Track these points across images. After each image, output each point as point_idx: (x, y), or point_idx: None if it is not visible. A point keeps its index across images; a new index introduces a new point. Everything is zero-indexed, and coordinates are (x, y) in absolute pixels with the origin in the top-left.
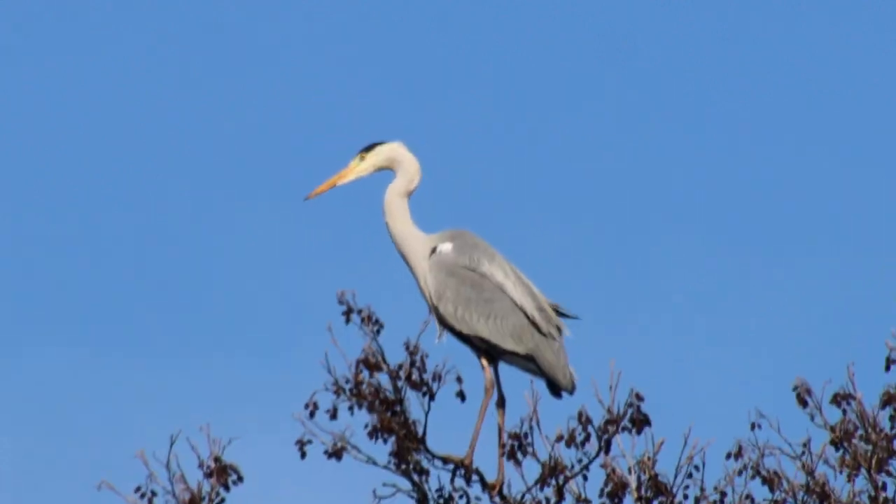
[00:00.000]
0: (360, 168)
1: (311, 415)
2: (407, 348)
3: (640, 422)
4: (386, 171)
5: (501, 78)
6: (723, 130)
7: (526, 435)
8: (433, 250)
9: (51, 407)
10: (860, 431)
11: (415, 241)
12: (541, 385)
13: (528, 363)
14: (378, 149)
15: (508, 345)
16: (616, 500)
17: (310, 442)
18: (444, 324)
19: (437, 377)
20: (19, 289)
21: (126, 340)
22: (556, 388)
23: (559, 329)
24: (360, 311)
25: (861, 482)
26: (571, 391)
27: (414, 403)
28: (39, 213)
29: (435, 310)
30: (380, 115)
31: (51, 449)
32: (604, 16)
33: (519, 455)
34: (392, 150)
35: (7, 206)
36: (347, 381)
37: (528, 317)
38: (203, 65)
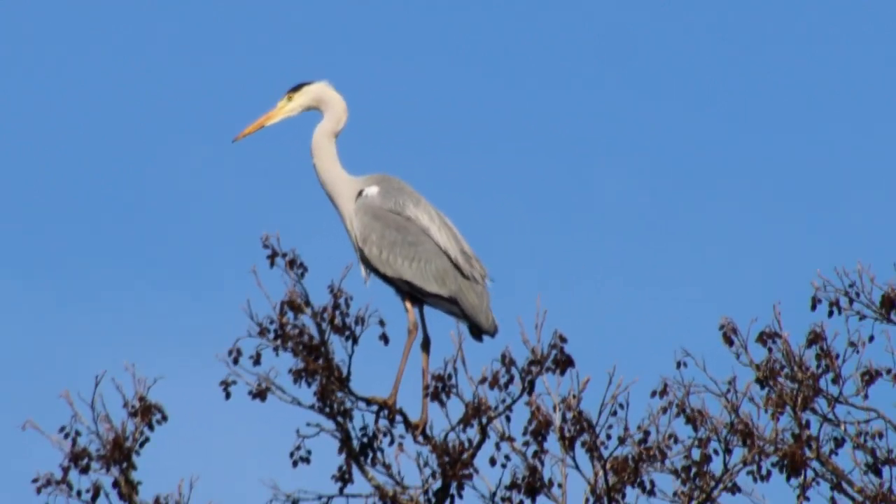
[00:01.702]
0: (287, 108)
1: (235, 361)
2: (331, 291)
3: (564, 363)
4: (314, 113)
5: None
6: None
7: (450, 376)
8: (359, 193)
9: None
10: (786, 370)
11: (342, 183)
12: (465, 329)
13: (452, 306)
14: (305, 88)
15: (432, 287)
16: (540, 439)
17: (234, 383)
18: (369, 266)
19: (361, 320)
20: None
21: (53, 275)
22: (478, 332)
23: (482, 274)
24: (284, 255)
25: (785, 420)
26: (493, 334)
27: (338, 347)
28: None
29: (360, 252)
30: (310, 59)
31: None
32: None
33: (443, 396)
34: (319, 90)
35: None
36: (272, 323)
37: (451, 260)
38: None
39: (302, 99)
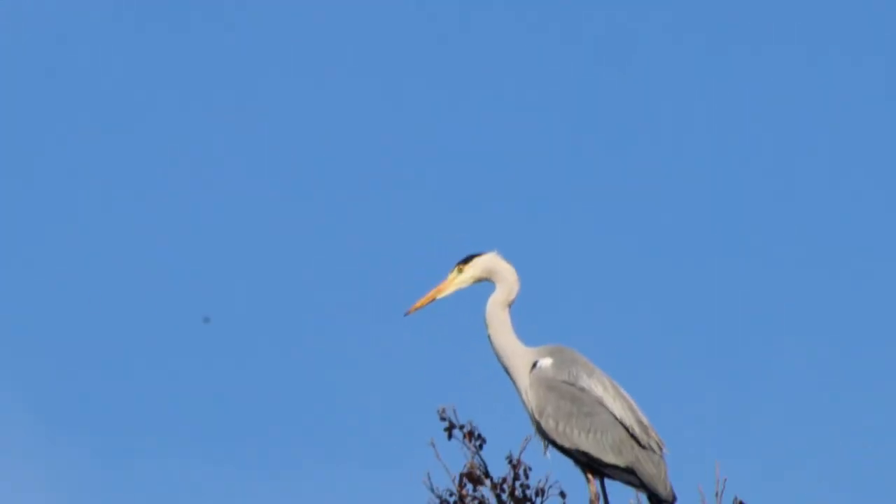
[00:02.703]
0: (458, 280)
1: None
2: (510, 462)
3: None
4: (485, 283)
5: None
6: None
7: None
8: (534, 365)
9: None
10: None
11: (516, 354)
12: (643, 499)
13: (629, 476)
14: (475, 261)
15: (609, 458)
16: None
17: None
18: (546, 438)
19: (541, 492)
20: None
21: (234, 454)
22: (657, 501)
23: (658, 444)
24: (461, 427)
25: None
26: (672, 503)
27: None
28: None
29: (537, 424)
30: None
31: None
32: None
33: None
34: (489, 261)
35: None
36: (451, 495)
37: (627, 430)
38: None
39: (472, 271)
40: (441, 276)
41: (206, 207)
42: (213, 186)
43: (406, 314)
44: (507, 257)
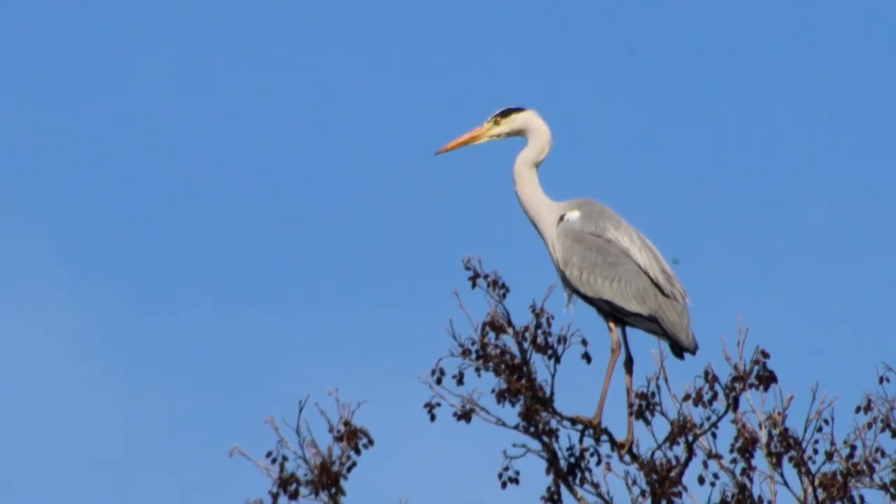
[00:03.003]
0: (493, 131)
1: (438, 381)
2: (533, 311)
3: (767, 378)
4: (515, 140)
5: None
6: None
7: (653, 394)
8: (561, 218)
9: (184, 366)
10: None
11: (544, 209)
12: (666, 347)
13: (652, 324)
14: (514, 115)
15: (632, 306)
16: (747, 456)
17: (438, 405)
18: (570, 287)
19: (563, 339)
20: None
21: (253, 296)
22: (679, 350)
23: (682, 293)
24: (486, 276)
25: None
26: (694, 351)
27: (540, 366)
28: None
29: (562, 274)
30: (501, 84)
31: (184, 412)
32: None
33: (647, 414)
34: (528, 119)
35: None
36: (474, 343)
37: (651, 279)
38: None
39: (510, 125)
40: (476, 123)
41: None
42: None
43: (436, 153)
44: (544, 117)
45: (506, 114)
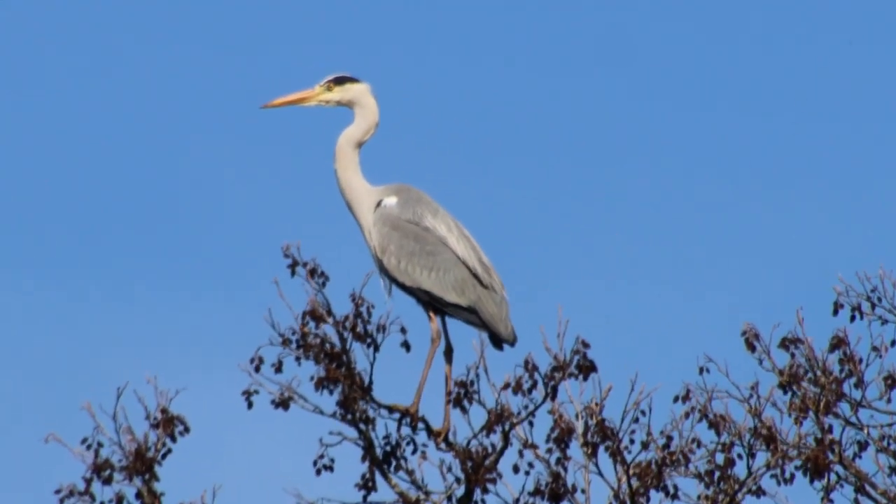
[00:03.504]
0: (324, 96)
1: (257, 369)
2: (352, 300)
3: (587, 368)
4: (340, 112)
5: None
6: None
7: (472, 383)
8: (378, 203)
9: (1, 348)
10: (809, 375)
11: (361, 192)
12: (486, 338)
13: (471, 315)
14: (349, 85)
15: (451, 297)
16: (563, 446)
17: (256, 392)
18: (388, 276)
19: (382, 328)
20: None
21: (71, 280)
22: (498, 341)
23: (500, 284)
24: (305, 264)
25: (808, 425)
26: (513, 343)
27: (360, 355)
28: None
29: (379, 262)
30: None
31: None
32: None
33: (465, 403)
34: (362, 92)
35: None
36: (294, 333)
37: (470, 270)
38: None
39: (342, 94)
40: (306, 85)
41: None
42: None
43: (263, 106)
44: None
45: (340, 81)
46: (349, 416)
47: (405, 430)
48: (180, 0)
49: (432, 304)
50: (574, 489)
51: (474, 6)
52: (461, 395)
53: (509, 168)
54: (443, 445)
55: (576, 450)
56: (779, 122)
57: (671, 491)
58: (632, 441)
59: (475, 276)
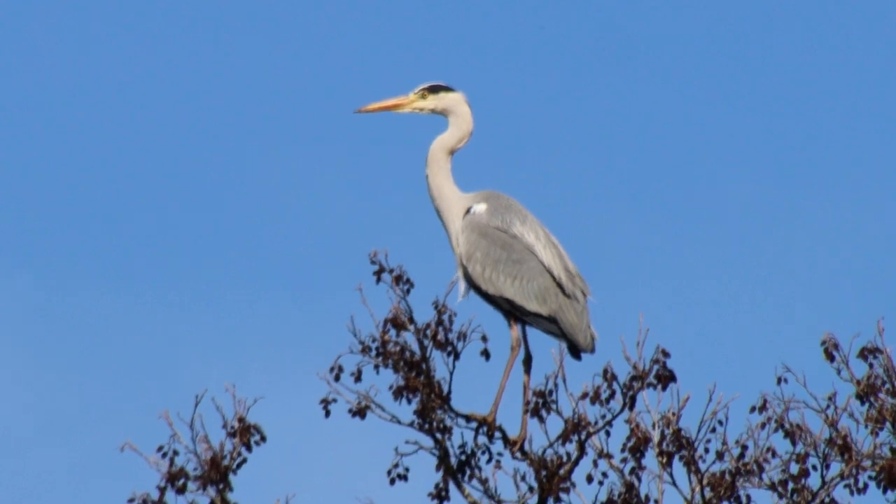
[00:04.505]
0: (418, 104)
1: (336, 378)
2: (435, 307)
3: (666, 378)
4: (431, 123)
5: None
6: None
7: (551, 392)
8: (467, 210)
9: (83, 357)
10: (887, 386)
11: (452, 199)
12: (564, 347)
13: (550, 325)
14: (444, 94)
15: (532, 306)
16: (638, 455)
17: (334, 401)
18: (471, 283)
19: (462, 336)
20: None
21: (153, 287)
22: (576, 350)
23: (583, 292)
24: (391, 271)
25: (884, 435)
26: (591, 352)
27: (439, 363)
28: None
29: (463, 269)
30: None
31: (77, 403)
32: None
33: (543, 412)
34: (457, 101)
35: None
36: (374, 341)
37: (554, 278)
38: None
39: (436, 102)
40: (400, 91)
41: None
42: None
43: (357, 111)
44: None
45: (435, 90)
46: (426, 426)
47: (481, 440)
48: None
49: (513, 312)
50: (647, 499)
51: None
52: (539, 405)
53: (597, 172)
54: (518, 454)
55: (651, 459)
56: (858, 124)
57: (743, 501)
58: (706, 451)
59: (559, 284)
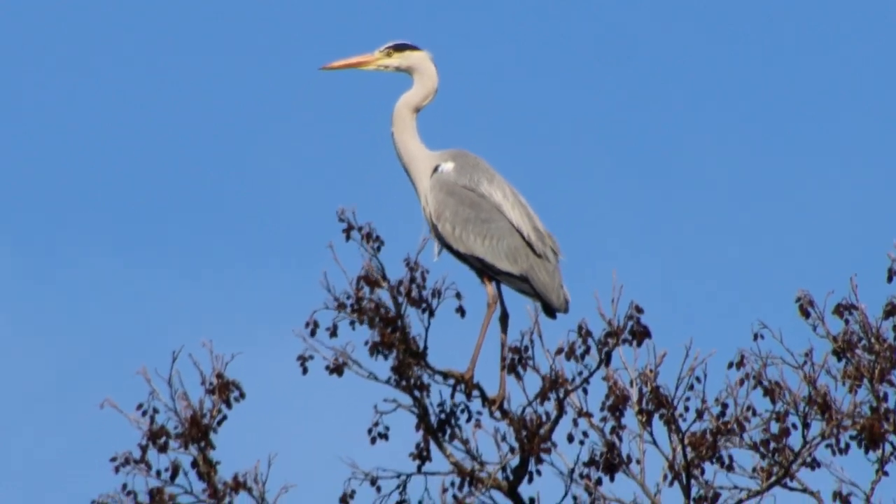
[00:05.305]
0: (383, 62)
1: (312, 333)
2: (407, 265)
3: (640, 334)
4: (398, 78)
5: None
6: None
7: (527, 349)
8: (435, 168)
9: (61, 316)
10: (863, 342)
11: (418, 156)
12: (538, 306)
13: (523, 284)
14: (409, 52)
15: (503, 265)
16: (617, 413)
17: (311, 358)
18: (442, 242)
19: (437, 293)
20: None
21: (128, 249)
22: (550, 310)
23: (554, 251)
24: (360, 229)
25: (863, 393)
26: (565, 311)
27: (414, 320)
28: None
29: (434, 228)
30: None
31: (57, 363)
32: None
33: (520, 369)
34: (421, 59)
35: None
36: (348, 298)
37: (524, 238)
38: None
39: (402, 61)
40: (365, 49)
41: None
42: None
43: (322, 68)
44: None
45: (400, 48)
46: (403, 383)
47: (459, 398)
48: None
49: (485, 271)
50: (629, 460)
51: None
52: (515, 362)
53: (568, 134)
54: (497, 414)
55: (630, 418)
56: (835, 92)
57: (726, 462)
58: (686, 408)
59: (529, 244)
